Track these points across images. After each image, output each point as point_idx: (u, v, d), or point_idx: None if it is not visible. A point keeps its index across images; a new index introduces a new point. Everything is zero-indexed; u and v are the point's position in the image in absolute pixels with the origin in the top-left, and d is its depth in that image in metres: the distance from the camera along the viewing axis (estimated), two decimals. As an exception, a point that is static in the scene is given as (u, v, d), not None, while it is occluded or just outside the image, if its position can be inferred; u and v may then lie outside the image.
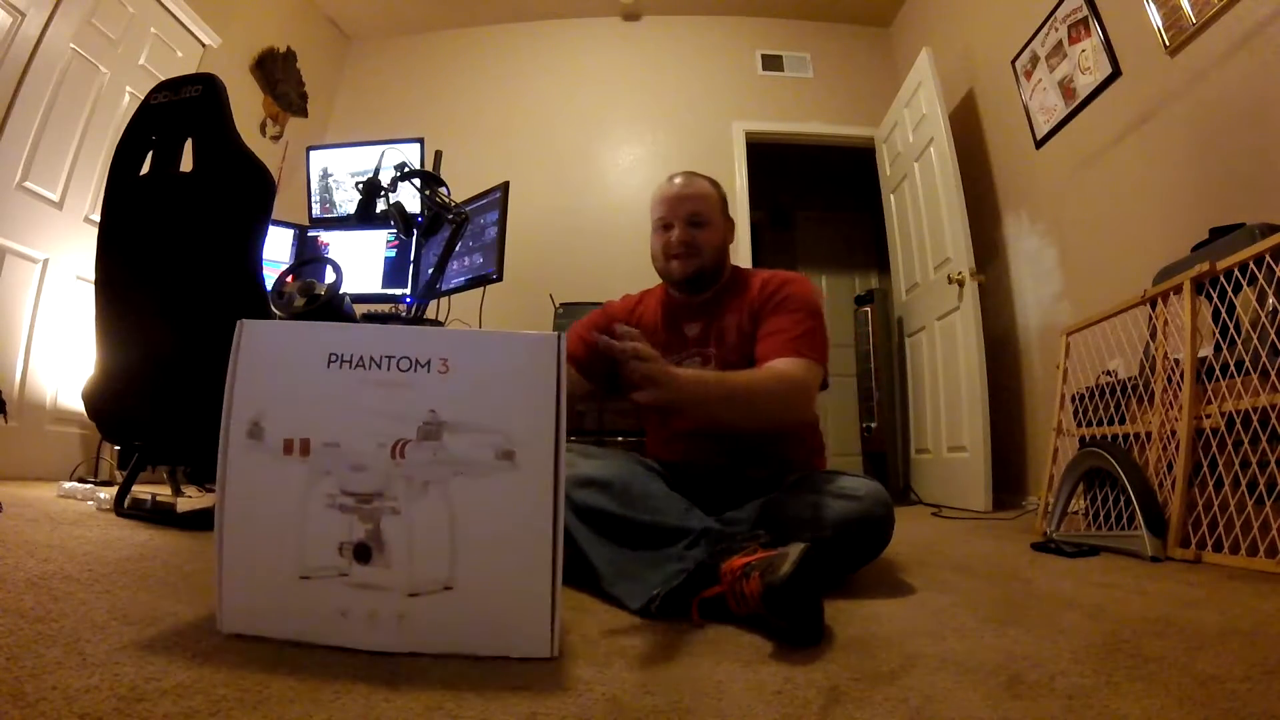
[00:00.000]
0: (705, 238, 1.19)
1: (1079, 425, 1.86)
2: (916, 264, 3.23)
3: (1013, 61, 2.77)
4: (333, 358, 0.65)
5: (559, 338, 0.66)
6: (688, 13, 4.04)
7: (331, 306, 1.79)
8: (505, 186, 2.34)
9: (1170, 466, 1.42)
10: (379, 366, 0.65)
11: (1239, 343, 1.34)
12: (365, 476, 0.63)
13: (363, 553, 0.63)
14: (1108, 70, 2.23)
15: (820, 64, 3.98)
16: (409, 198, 2.24)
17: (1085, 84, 2.35)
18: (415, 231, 2.34)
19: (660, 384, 0.88)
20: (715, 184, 1.25)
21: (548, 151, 3.84)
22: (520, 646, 0.62)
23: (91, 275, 1.60)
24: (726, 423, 1.10)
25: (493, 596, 0.63)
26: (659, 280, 1.33)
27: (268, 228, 1.51)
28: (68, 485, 1.87)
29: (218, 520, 0.65)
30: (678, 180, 1.23)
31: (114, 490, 1.61)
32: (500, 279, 2.26)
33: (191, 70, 2.73)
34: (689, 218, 1.19)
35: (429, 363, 0.65)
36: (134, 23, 2.69)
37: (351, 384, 0.65)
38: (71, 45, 2.42)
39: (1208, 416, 1.34)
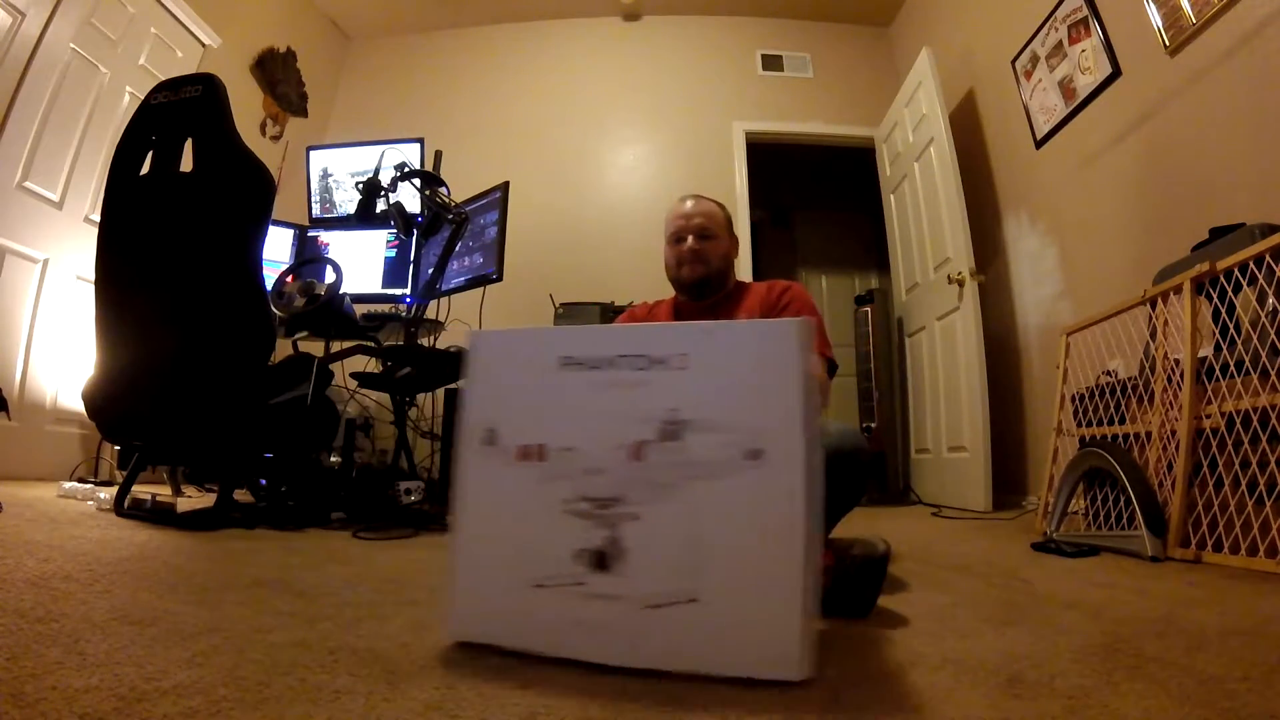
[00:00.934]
0: (712, 248, 1.35)
1: (1079, 425, 1.86)
2: (916, 264, 3.23)
3: (1013, 61, 2.77)
4: (565, 360, 0.64)
5: (802, 323, 0.61)
6: (688, 13, 4.04)
7: (331, 307, 1.80)
8: (505, 186, 2.34)
9: (1170, 466, 1.42)
10: (614, 367, 0.63)
11: (1239, 343, 1.34)
12: (603, 481, 0.61)
13: (601, 560, 0.60)
14: (1108, 70, 2.23)
15: (820, 64, 3.98)
16: (409, 198, 2.24)
17: (1085, 84, 2.35)
18: (415, 231, 2.34)
19: None
20: (721, 205, 1.42)
21: (548, 151, 3.83)
22: (766, 666, 0.56)
23: (91, 275, 1.60)
24: None
25: (738, 610, 0.58)
26: (662, 281, 1.45)
27: (268, 228, 1.51)
28: (68, 485, 1.87)
29: (452, 527, 0.65)
30: (689, 202, 1.40)
31: (114, 490, 1.61)
32: (500, 279, 2.26)
33: (191, 70, 2.73)
34: (699, 231, 1.35)
35: (667, 359, 0.62)
36: (134, 23, 2.69)
37: (586, 386, 0.63)
38: (71, 45, 2.42)
39: (1208, 416, 1.34)
